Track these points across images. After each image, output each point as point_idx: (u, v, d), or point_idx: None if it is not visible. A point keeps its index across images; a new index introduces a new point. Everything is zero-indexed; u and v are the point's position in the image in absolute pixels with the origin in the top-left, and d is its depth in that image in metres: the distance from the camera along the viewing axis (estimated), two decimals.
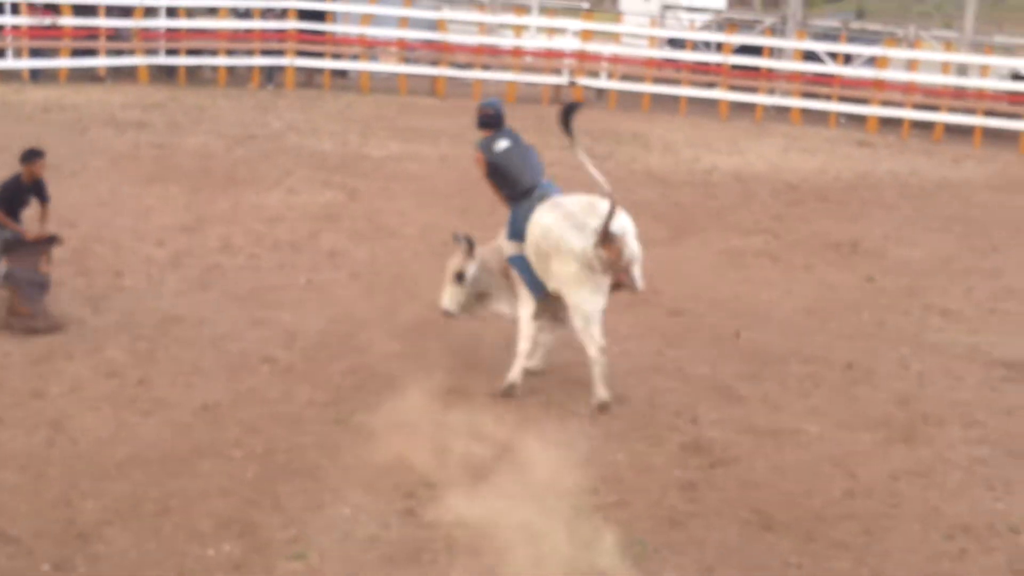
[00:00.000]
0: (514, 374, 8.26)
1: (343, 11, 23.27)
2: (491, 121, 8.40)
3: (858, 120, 21.69)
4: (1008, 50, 23.79)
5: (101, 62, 21.73)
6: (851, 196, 15.90)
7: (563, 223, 7.85)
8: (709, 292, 10.92)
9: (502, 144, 8.29)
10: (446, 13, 23.99)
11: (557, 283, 7.95)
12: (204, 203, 13.27)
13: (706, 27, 24.95)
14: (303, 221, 12.69)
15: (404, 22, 23.22)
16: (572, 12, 26.05)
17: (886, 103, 21.64)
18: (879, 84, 21.58)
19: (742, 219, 14.16)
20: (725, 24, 24.23)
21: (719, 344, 9.67)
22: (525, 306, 8.26)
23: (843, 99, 21.91)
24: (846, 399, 8.67)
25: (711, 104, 22.36)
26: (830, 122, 21.68)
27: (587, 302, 7.88)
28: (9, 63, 21.02)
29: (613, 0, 36.51)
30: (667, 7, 25.95)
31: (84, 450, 7.19)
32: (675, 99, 22.36)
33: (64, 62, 21.32)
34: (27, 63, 21.14)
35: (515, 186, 8.22)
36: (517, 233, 8.18)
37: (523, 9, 26.19)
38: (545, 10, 26.27)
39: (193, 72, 22.56)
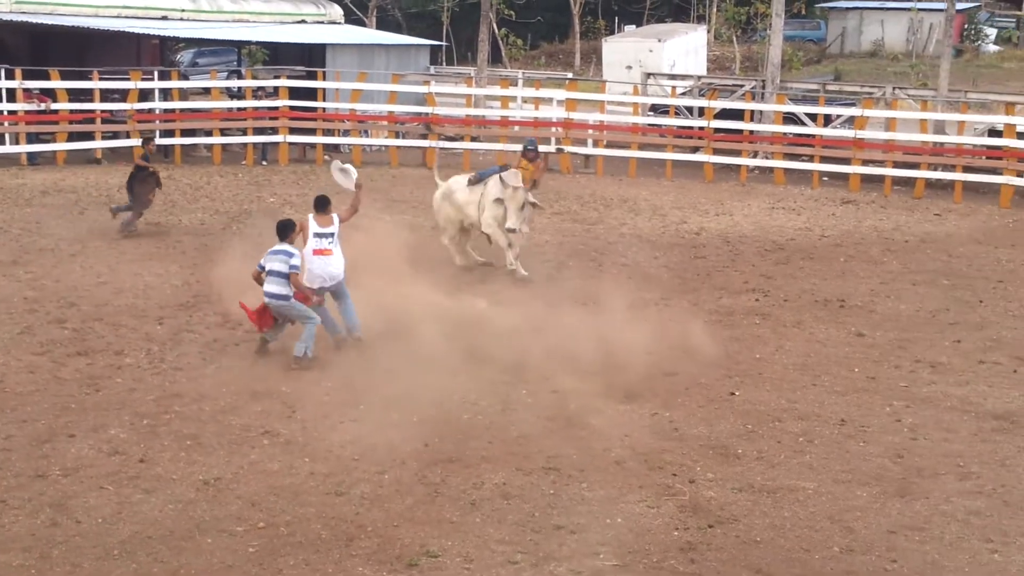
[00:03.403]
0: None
1: (333, 88, 23.66)
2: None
3: (840, 179, 21.99)
4: (983, 106, 24.19)
5: (97, 144, 22.04)
6: (837, 253, 16.11)
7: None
8: (702, 352, 11.02)
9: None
10: (434, 87, 24.37)
11: None
12: (202, 279, 13.41)
13: (687, 93, 25.34)
14: None
15: (393, 97, 23.63)
16: (557, 82, 26.46)
17: (867, 161, 21.98)
18: (859, 143, 21.92)
19: (731, 279, 14.34)
20: (707, 89, 24.63)
21: (714, 403, 9.80)
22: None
23: (825, 159, 22.24)
24: (841, 454, 8.78)
25: (696, 167, 22.67)
26: (813, 181, 21.97)
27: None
28: (7, 148, 21.33)
29: (596, 69, 37.06)
30: (649, 75, 26.39)
31: (87, 530, 7.25)
32: (661, 163, 22.68)
33: (61, 145, 21.61)
34: (25, 148, 21.43)
35: None
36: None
37: (509, 81, 26.65)
38: (530, 81, 26.68)
39: (188, 151, 22.88)
